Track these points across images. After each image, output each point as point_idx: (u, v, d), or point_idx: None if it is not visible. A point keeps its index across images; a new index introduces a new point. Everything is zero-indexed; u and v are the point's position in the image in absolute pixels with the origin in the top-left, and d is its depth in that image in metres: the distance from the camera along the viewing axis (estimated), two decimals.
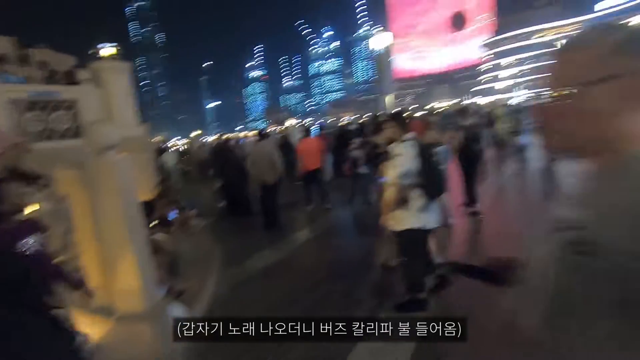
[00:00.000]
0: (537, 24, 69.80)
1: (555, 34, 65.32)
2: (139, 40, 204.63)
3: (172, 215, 5.17)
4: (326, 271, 4.28)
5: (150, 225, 4.12)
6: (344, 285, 3.74)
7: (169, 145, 20.76)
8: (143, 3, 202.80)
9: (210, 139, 20.44)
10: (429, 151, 2.84)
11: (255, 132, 11.72)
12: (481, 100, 65.30)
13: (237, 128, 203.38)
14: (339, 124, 16.18)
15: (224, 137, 13.48)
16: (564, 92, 0.57)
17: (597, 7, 64.93)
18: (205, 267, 4.33)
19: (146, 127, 4.90)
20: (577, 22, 65.36)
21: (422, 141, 2.91)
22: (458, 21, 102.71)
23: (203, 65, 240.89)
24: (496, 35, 78.49)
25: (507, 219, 5.28)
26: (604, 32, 0.58)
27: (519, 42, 71.83)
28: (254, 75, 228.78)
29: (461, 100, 78.89)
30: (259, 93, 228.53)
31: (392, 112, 4.84)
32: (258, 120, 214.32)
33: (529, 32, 70.64)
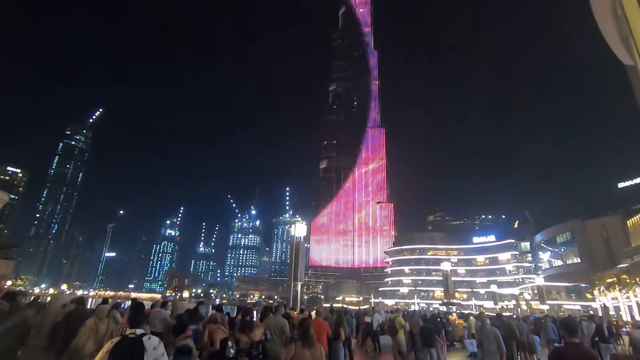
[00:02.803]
0: (426, 244, 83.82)
1: (444, 254, 77.68)
2: (54, 171, 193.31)
3: None
4: None
5: None
6: None
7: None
8: (81, 141, 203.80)
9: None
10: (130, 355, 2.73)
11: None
12: (387, 301, 68.29)
13: (130, 286, 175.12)
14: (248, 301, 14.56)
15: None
16: None
17: (474, 239, 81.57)
18: None
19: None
20: (459, 248, 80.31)
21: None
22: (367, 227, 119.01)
23: (117, 213, 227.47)
24: (394, 246, 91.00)
25: None
26: None
27: (414, 255, 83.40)
28: (168, 234, 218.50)
29: (368, 298, 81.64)
30: (168, 253, 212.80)
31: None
32: (157, 281, 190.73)
33: (422, 248, 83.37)
